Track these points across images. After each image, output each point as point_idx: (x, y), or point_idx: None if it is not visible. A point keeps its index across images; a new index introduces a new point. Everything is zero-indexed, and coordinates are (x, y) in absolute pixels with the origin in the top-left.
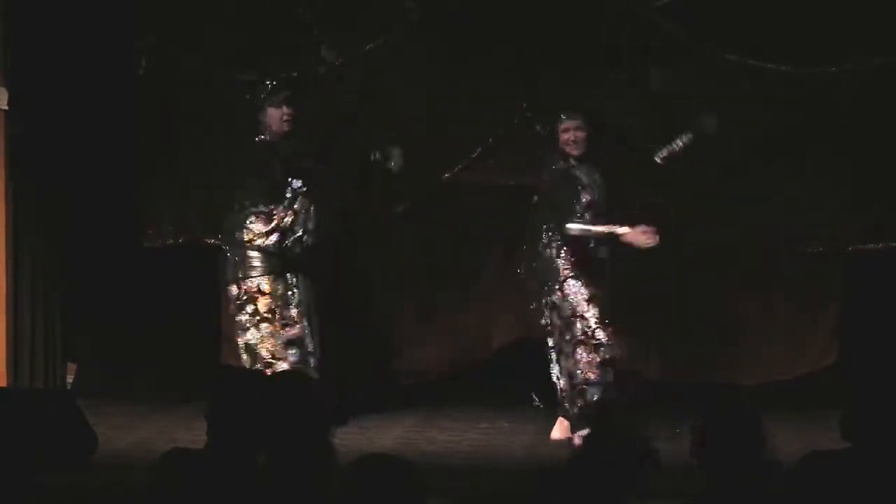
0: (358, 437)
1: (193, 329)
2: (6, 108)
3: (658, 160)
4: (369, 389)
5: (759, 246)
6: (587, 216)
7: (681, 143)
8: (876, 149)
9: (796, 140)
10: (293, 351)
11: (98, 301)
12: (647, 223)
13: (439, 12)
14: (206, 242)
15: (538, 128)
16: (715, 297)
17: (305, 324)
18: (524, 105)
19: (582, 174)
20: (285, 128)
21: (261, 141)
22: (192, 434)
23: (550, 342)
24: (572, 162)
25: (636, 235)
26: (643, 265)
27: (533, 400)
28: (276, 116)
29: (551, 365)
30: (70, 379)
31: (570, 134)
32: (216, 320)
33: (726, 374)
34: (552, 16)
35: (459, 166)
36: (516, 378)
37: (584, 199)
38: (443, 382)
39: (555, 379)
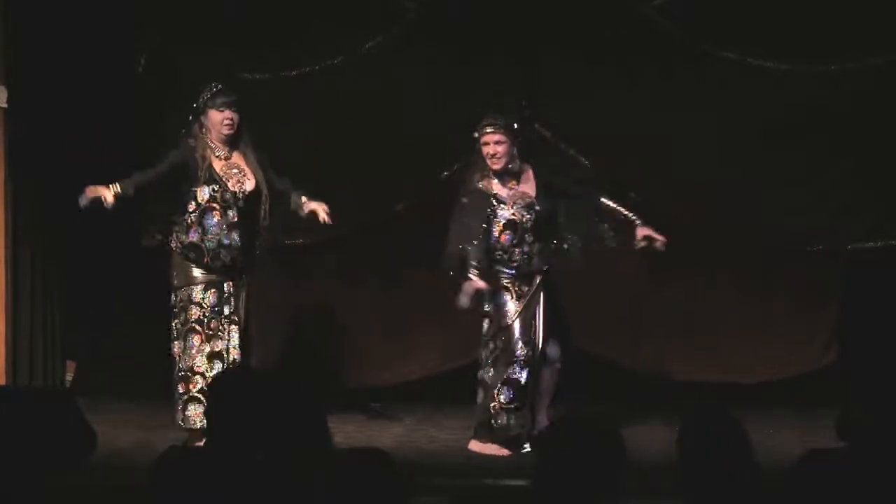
0: (358, 436)
1: None
2: (6, 106)
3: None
4: (368, 388)
5: (759, 246)
6: (505, 236)
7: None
8: (876, 148)
9: (796, 139)
10: (217, 364)
11: (98, 300)
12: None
13: (439, 11)
14: None
15: (537, 126)
16: (714, 296)
17: (234, 335)
18: (523, 104)
19: (502, 190)
20: (226, 131)
21: (193, 145)
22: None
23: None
24: (492, 177)
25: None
26: (641, 266)
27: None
28: (216, 119)
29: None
30: (69, 377)
31: (491, 147)
32: None
33: (726, 373)
34: (552, 14)
35: (459, 165)
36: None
37: (500, 219)
38: (442, 381)
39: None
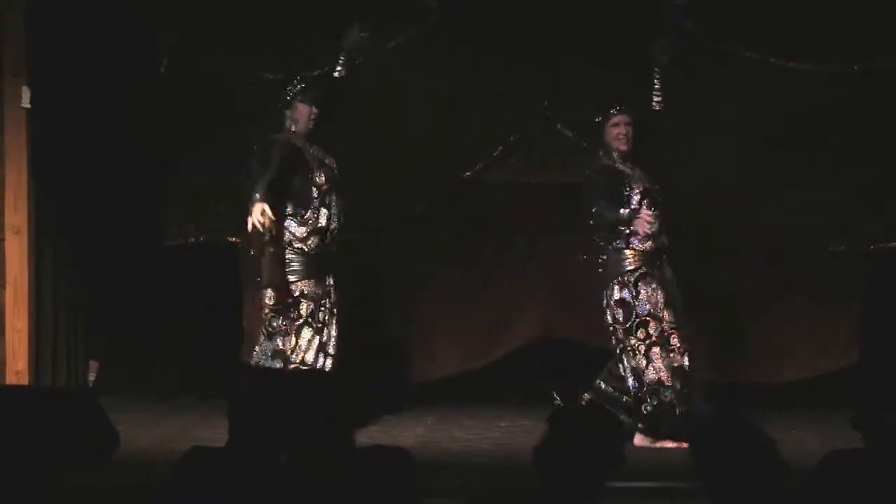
0: (381, 436)
1: (214, 327)
2: (29, 106)
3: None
4: (391, 388)
5: (781, 245)
6: (644, 209)
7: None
8: None
9: (819, 138)
10: (321, 355)
11: (120, 299)
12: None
13: (461, 10)
14: (229, 241)
15: (559, 126)
16: (736, 296)
17: (334, 326)
18: (545, 104)
19: (627, 169)
20: (311, 126)
21: (282, 139)
22: (214, 432)
23: (614, 340)
24: (616, 157)
25: (640, 222)
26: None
27: (554, 399)
28: (304, 113)
29: (621, 364)
30: (92, 377)
31: (622, 128)
32: (237, 318)
33: (748, 373)
34: (574, 13)
35: (482, 164)
36: (538, 376)
37: (635, 193)
38: (465, 381)
39: (623, 373)
